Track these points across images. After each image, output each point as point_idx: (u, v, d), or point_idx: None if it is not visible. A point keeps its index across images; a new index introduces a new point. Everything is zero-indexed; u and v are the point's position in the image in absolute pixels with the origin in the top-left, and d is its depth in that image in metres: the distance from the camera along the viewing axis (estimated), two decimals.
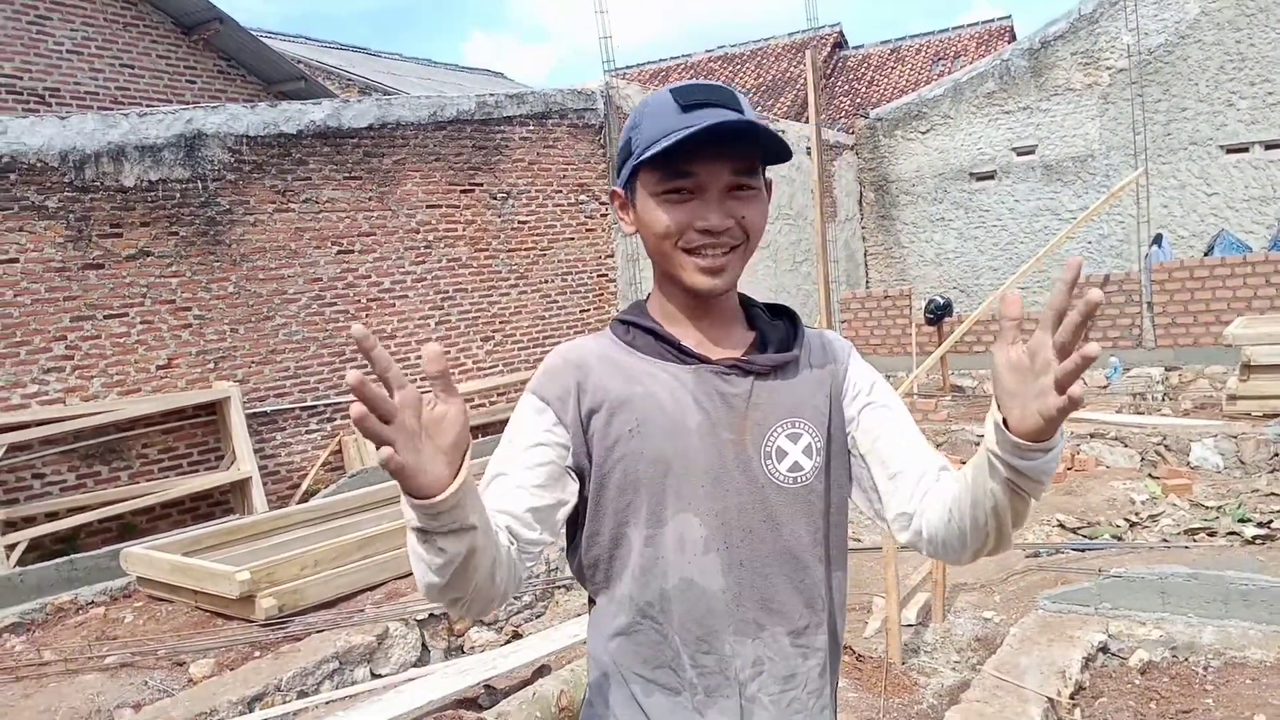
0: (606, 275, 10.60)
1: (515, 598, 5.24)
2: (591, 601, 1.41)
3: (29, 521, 6.35)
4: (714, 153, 1.25)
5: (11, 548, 6.06)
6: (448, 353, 8.94)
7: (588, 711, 1.41)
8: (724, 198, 1.27)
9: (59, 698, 4.24)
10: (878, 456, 1.35)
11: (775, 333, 1.39)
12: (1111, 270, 12.02)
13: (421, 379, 1.01)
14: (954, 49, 19.25)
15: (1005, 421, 1.11)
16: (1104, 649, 4.04)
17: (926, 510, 1.29)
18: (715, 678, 1.29)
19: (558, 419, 1.31)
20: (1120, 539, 5.63)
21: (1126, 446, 7.33)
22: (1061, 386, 1.03)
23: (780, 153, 1.29)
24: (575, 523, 1.36)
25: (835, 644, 1.40)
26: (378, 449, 1.00)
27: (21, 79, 9.85)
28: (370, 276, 8.45)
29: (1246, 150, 11.95)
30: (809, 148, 11.50)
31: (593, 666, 1.41)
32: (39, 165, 6.63)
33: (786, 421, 1.32)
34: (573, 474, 1.32)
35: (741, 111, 1.25)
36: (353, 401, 0.97)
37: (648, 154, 1.25)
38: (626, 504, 1.30)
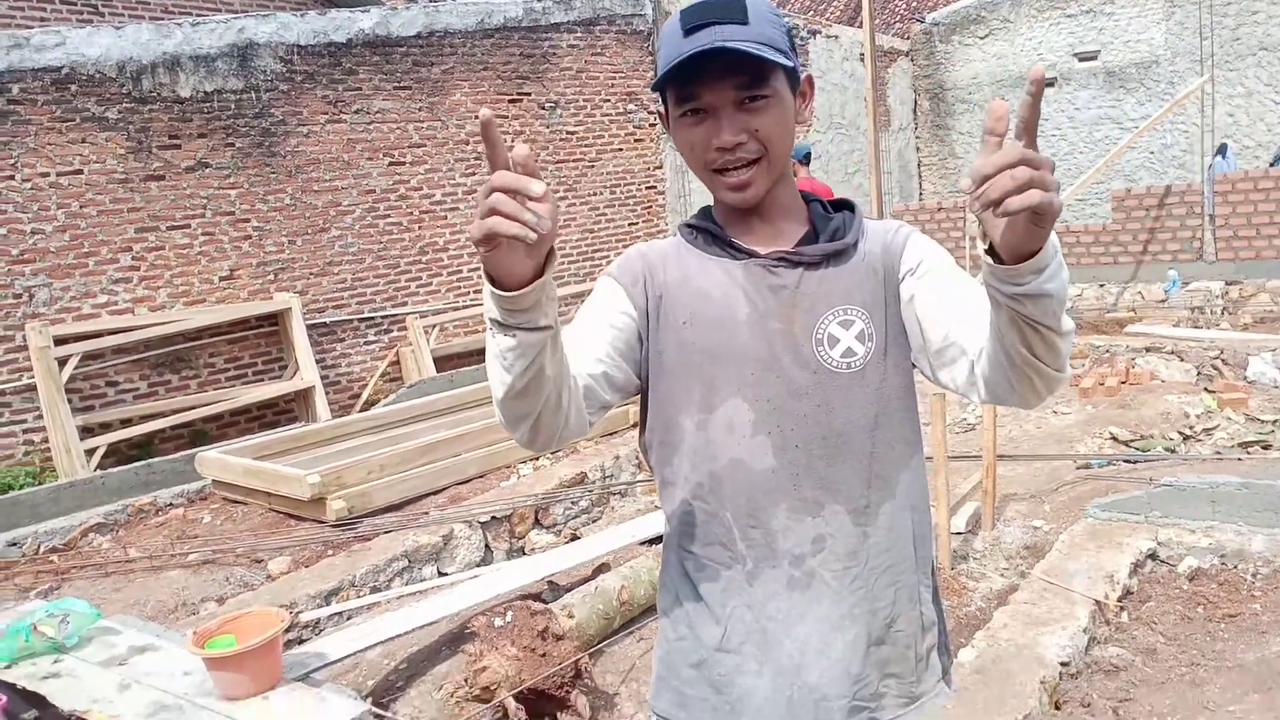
0: (655, 187, 10.56)
1: (573, 501, 5.40)
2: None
3: (105, 427, 6.63)
4: (716, 72, 1.29)
5: (91, 452, 6.34)
6: None
7: (659, 584, 1.54)
8: (735, 112, 1.32)
9: (147, 592, 4.50)
10: (934, 318, 1.35)
11: (829, 225, 1.44)
12: (1173, 181, 11.72)
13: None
14: None
15: (992, 249, 1.07)
16: (1153, 556, 4.11)
17: (981, 358, 1.26)
18: (762, 549, 1.38)
19: (630, 299, 1.40)
20: (1173, 451, 5.64)
21: (1183, 360, 7.27)
22: (999, 189, 0.95)
23: (779, 61, 1.31)
24: (642, 405, 1.47)
25: (915, 525, 1.44)
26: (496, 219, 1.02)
27: None
28: (421, 189, 8.51)
29: None
30: (862, 54, 11.26)
31: (664, 544, 1.53)
32: (97, 76, 6.73)
33: (838, 309, 1.37)
34: (639, 349, 1.41)
35: (746, 23, 1.29)
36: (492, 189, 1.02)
37: (658, 81, 1.34)
38: (680, 391, 1.39)
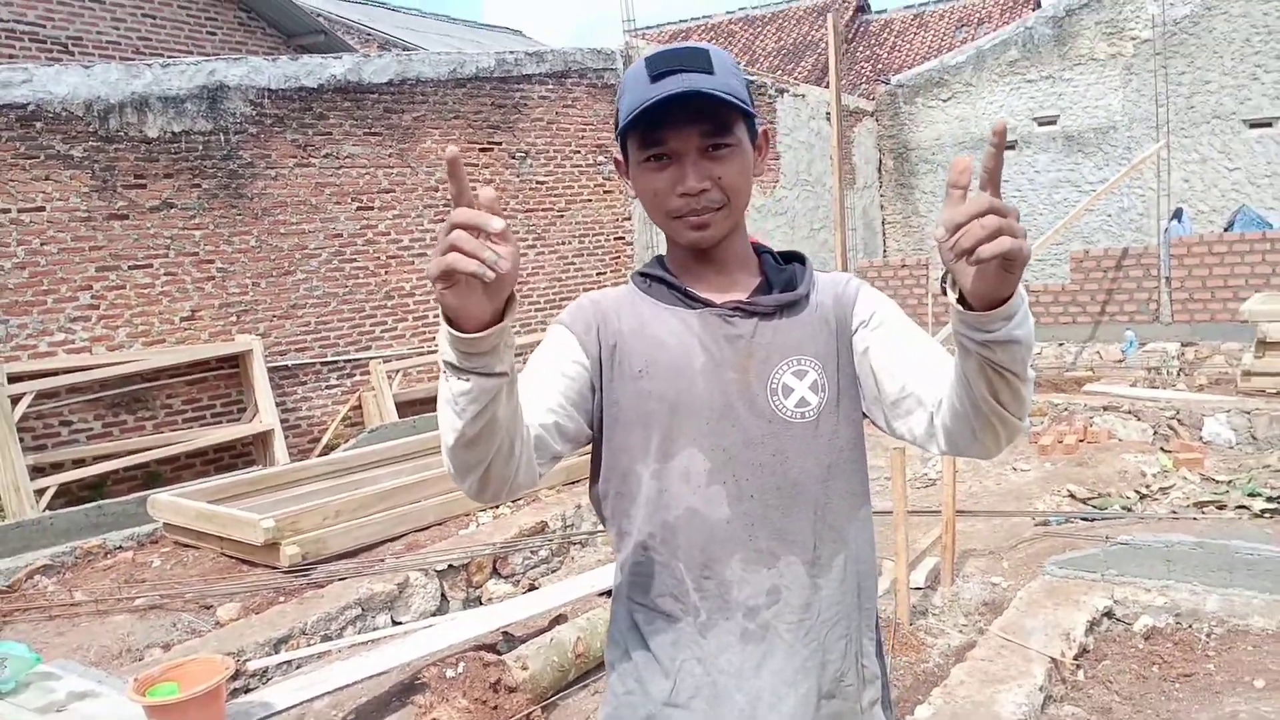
0: (623, 238, 10.63)
1: (532, 551, 5.34)
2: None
3: (57, 468, 6.49)
4: (683, 118, 1.31)
5: (41, 492, 6.19)
6: None
7: (608, 638, 1.51)
8: (700, 159, 1.33)
9: (90, 636, 4.37)
10: (890, 370, 1.37)
11: (781, 276, 1.45)
12: (1130, 244, 11.99)
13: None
14: (978, 15, 19.04)
15: (962, 298, 1.09)
16: (1109, 614, 4.12)
17: (942, 408, 1.28)
18: (716, 601, 1.36)
19: (582, 348, 1.39)
20: (1129, 510, 5.69)
21: (1140, 420, 7.37)
22: (971, 237, 0.98)
23: (745, 111, 1.35)
24: (594, 456, 1.45)
25: (861, 577, 1.44)
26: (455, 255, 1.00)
27: (44, 27, 9.88)
28: (389, 234, 8.50)
29: (1270, 125, 11.85)
30: (829, 113, 11.47)
31: (613, 597, 1.50)
32: (64, 114, 6.69)
33: (792, 359, 1.38)
34: (592, 398, 1.39)
35: (712, 73, 1.31)
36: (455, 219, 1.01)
37: (623, 126, 1.34)
38: (636, 440, 1.38)
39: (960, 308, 1.10)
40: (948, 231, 1.01)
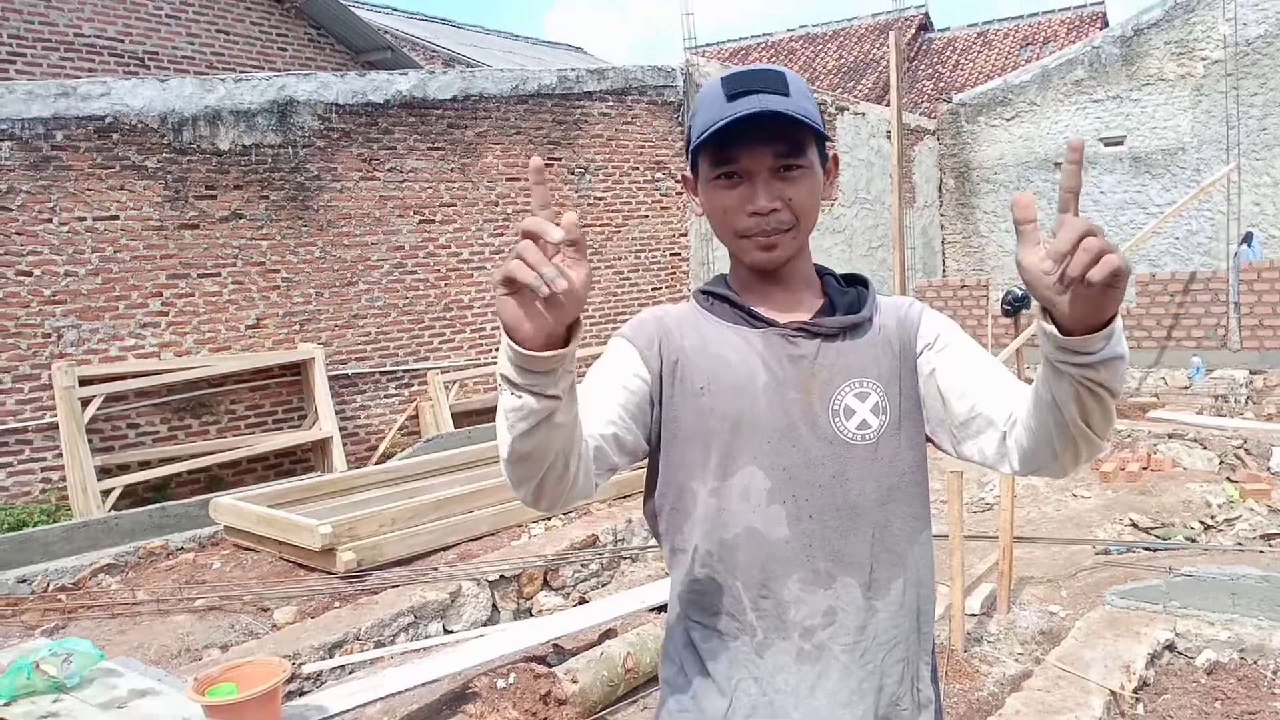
0: (680, 254, 10.64)
1: (583, 564, 5.37)
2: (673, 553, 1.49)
3: (123, 469, 6.67)
4: (757, 138, 1.33)
5: (107, 493, 6.37)
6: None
7: (663, 654, 1.51)
8: (771, 179, 1.35)
9: (151, 635, 4.48)
10: (959, 390, 1.37)
11: (845, 298, 1.45)
12: (1198, 268, 11.72)
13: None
14: (1043, 34, 18.81)
15: (1056, 325, 1.09)
16: (1170, 647, 4.02)
17: (1016, 428, 1.29)
18: (773, 620, 1.36)
19: (644, 362, 1.39)
20: (1193, 541, 5.56)
21: (1205, 449, 7.19)
22: (1079, 265, 0.99)
23: (818, 134, 1.37)
24: (650, 471, 1.45)
25: (920, 601, 1.43)
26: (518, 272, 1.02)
27: (123, 42, 10.21)
28: (450, 246, 8.62)
29: None
30: (889, 132, 11.39)
31: (668, 614, 1.51)
32: (140, 126, 6.90)
33: (854, 381, 1.38)
34: (650, 412, 1.40)
35: (788, 95, 1.33)
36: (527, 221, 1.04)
37: (696, 143, 1.37)
38: (695, 457, 1.38)
39: (1060, 334, 1.09)
40: (1055, 264, 1.01)
